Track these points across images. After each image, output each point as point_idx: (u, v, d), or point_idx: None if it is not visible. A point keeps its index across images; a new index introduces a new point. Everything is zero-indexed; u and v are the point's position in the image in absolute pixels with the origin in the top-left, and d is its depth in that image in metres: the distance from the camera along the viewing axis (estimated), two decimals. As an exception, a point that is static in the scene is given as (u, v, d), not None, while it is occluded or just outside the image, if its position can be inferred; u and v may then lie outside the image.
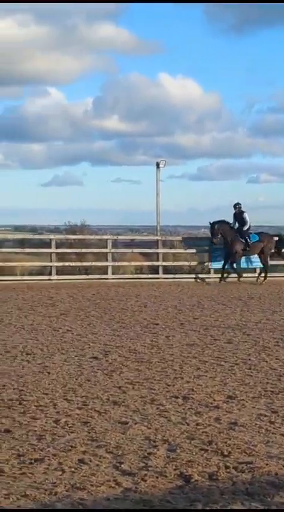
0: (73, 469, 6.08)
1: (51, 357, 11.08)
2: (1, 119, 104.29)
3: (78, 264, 25.43)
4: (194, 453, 6.54)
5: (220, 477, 5.94)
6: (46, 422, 7.49)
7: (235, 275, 24.60)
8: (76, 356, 11.19)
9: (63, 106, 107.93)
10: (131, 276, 25.05)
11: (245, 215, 24.53)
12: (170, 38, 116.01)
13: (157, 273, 24.87)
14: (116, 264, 24.99)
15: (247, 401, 8.42)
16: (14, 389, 8.96)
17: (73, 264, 25.23)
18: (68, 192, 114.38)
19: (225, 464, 6.24)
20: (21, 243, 28.77)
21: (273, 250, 25.23)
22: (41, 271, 25.20)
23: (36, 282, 23.44)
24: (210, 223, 24.62)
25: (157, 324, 14.73)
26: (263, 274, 25.00)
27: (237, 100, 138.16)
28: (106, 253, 24.73)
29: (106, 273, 24.47)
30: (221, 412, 7.94)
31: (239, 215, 24.59)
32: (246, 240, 24.26)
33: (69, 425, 7.37)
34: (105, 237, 26.60)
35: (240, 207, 24.73)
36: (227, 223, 24.65)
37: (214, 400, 8.49)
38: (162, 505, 5.39)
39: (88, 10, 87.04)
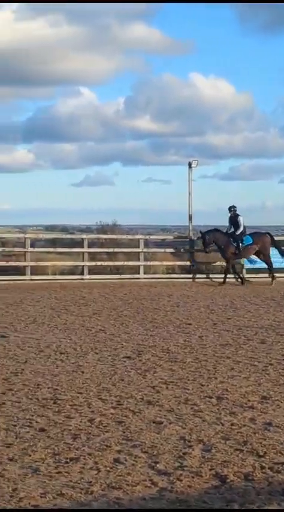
0: (108, 469, 6.09)
1: (85, 356, 11.12)
2: (33, 120, 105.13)
3: (110, 263, 25.47)
4: (229, 453, 6.52)
5: (255, 477, 5.92)
6: (81, 422, 7.51)
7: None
8: (109, 355, 11.21)
9: (95, 106, 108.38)
10: (163, 275, 25.02)
11: (240, 219, 24.17)
12: (202, 38, 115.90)
13: (189, 273, 24.80)
14: (148, 263, 24.97)
15: (282, 402, 8.38)
16: (48, 388, 9.00)
17: (105, 263, 25.27)
18: (99, 192, 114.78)
19: (261, 464, 6.22)
20: (53, 242, 28.90)
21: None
22: (72, 271, 25.27)
23: (69, 281, 23.51)
24: (201, 233, 24.52)
25: (190, 324, 14.71)
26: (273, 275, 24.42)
27: (269, 100, 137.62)
28: (138, 252, 24.73)
29: (138, 273, 24.47)
30: (256, 413, 7.91)
31: (234, 218, 24.25)
32: (238, 244, 23.95)
33: (104, 425, 7.38)
34: (137, 236, 26.60)
35: (235, 210, 24.37)
36: (219, 230, 24.54)
37: (249, 400, 8.46)
38: (198, 505, 5.38)
39: (121, 10, 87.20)
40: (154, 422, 7.49)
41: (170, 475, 5.95)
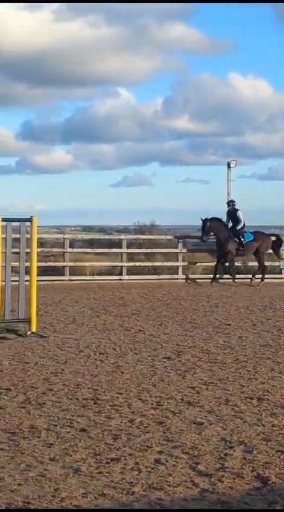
0: (149, 469, 6.09)
1: (124, 357, 11.13)
2: (72, 120, 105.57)
3: (148, 264, 25.49)
4: (271, 455, 6.48)
5: (298, 479, 5.88)
6: (121, 422, 7.52)
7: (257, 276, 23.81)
8: (149, 356, 11.21)
9: (132, 106, 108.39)
10: (202, 276, 24.93)
11: (239, 213, 23.34)
12: (241, 37, 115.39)
13: (228, 273, 24.66)
14: (186, 264, 24.92)
15: None
16: (88, 388, 9.02)
17: (143, 264, 25.29)
18: (137, 192, 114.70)
19: (303, 466, 6.17)
20: (91, 243, 28.99)
21: (270, 251, 24.22)
22: (109, 271, 25.33)
23: (107, 281, 23.56)
24: (202, 220, 23.27)
25: (229, 325, 14.65)
26: (258, 276, 23.70)
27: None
28: (177, 253, 24.70)
29: (177, 273, 24.44)
30: (297, 414, 7.85)
31: (232, 213, 23.45)
32: (240, 240, 23.15)
33: (144, 425, 7.38)
34: (172, 236, 26.55)
35: (234, 205, 23.60)
36: (221, 220, 23.53)
37: (290, 401, 8.40)
38: (240, 506, 5.36)
39: (159, 10, 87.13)
40: (194, 423, 7.48)
41: (211, 476, 5.93)
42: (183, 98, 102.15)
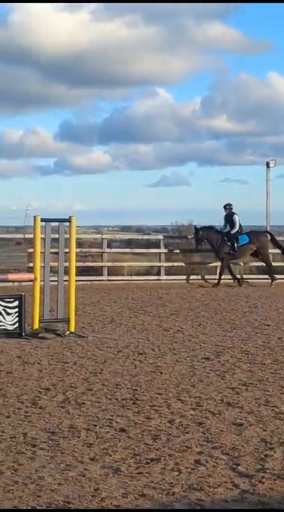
0: (189, 470, 6.07)
1: (163, 357, 11.12)
2: (110, 120, 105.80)
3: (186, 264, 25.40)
4: (312, 457, 6.43)
5: None
6: (160, 422, 7.51)
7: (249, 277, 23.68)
8: (187, 356, 11.18)
9: (171, 106, 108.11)
10: (240, 276, 24.77)
11: (235, 217, 23.05)
12: (280, 37, 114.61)
13: (266, 273, 24.49)
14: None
15: None
16: (127, 388, 9.03)
17: (181, 264, 25.22)
18: (175, 192, 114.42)
19: None
20: (129, 243, 28.99)
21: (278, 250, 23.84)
22: (147, 271, 25.31)
23: (145, 282, 23.56)
24: (195, 228, 23.53)
25: (268, 325, 14.57)
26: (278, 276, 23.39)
27: None
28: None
29: (215, 273, 24.33)
30: None
31: (229, 217, 23.24)
32: (233, 244, 22.90)
33: (184, 426, 7.37)
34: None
35: (231, 208, 23.30)
36: (213, 228, 23.47)
37: None
38: (281, 507, 5.33)
39: (198, 10, 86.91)
40: (234, 424, 7.44)
41: (252, 477, 5.90)
42: (222, 97, 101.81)
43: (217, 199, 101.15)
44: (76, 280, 14.25)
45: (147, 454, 6.50)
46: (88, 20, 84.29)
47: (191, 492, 5.57)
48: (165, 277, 23.98)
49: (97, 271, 23.74)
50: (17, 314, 12.84)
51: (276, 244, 23.91)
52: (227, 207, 23.32)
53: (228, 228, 23.19)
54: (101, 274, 23.37)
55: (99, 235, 26.60)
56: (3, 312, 12.75)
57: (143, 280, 23.69)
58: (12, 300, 12.96)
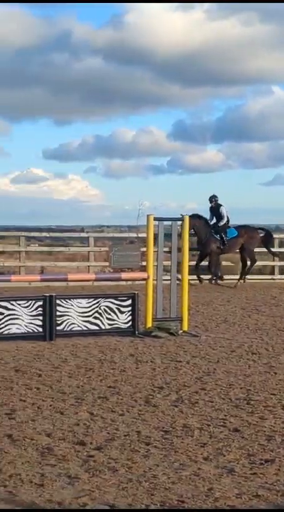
0: (305, 472, 5.96)
1: (277, 357, 10.96)
2: (223, 119, 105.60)
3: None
4: None
5: None
6: (275, 423, 7.40)
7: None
8: (302, 357, 11.00)
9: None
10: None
11: (222, 209, 21.65)
12: None
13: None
14: None
15: None
16: (241, 388, 8.94)
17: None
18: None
19: None
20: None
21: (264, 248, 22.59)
22: (260, 271, 25.01)
23: (258, 281, 23.31)
24: (181, 216, 21.85)
25: None
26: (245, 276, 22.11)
27: None
28: None
29: None
30: None
31: (215, 209, 21.83)
32: (222, 237, 21.57)
33: (299, 427, 7.24)
34: None
35: (217, 200, 21.88)
36: (202, 217, 21.83)
37: None
38: None
39: None
40: None
41: None
42: None
43: None
44: (189, 279, 14.22)
45: (261, 454, 6.42)
46: (203, 19, 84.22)
47: (307, 495, 5.46)
48: (279, 276, 23.67)
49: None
50: (130, 313, 12.94)
51: (267, 245, 22.72)
52: (213, 199, 22.00)
53: (214, 220, 21.96)
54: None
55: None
56: (116, 311, 12.87)
57: (256, 280, 23.43)
58: (125, 298, 13.07)
